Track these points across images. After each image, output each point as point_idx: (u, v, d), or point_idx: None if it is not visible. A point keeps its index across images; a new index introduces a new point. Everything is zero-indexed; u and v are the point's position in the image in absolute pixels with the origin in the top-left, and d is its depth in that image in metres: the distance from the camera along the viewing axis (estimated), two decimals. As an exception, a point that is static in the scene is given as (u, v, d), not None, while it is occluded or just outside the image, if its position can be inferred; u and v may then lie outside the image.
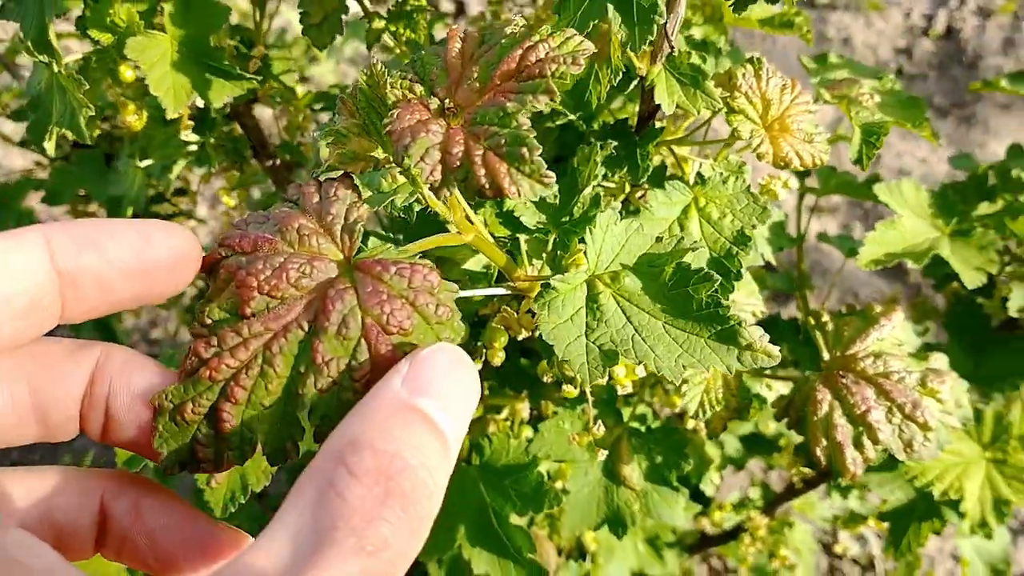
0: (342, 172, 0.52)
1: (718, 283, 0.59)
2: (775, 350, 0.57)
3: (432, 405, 0.38)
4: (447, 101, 0.53)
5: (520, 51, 0.52)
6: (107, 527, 0.46)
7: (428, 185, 0.49)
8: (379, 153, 0.55)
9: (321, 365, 0.42)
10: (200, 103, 0.93)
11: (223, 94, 0.88)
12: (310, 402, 0.42)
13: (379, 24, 0.87)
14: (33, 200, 1.68)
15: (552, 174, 0.48)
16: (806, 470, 1.32)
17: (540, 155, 0.47)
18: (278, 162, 1.18)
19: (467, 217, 0.56)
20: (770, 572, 1.81)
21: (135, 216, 1.17)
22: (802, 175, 1.32)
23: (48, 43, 0.87)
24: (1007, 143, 1.29)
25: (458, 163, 0.48)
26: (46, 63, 0.88)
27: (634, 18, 0.63)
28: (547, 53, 0.52)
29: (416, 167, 0.48)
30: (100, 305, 0.44)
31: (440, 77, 0.54)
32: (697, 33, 1.18)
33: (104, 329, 1.58)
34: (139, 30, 0.87)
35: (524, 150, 0.47)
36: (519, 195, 0.48)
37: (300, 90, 1.10)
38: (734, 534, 1.71)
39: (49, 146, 0.93)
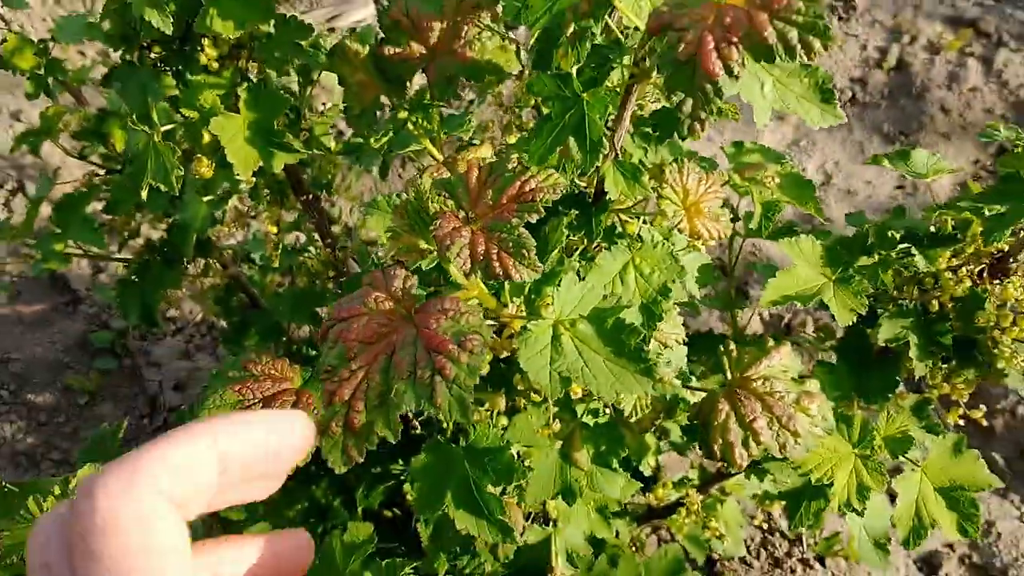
0: (396, 260, 0.81)
1: (643, 335, 0.89)
2: (677, 384, 0.87)
3: None
4: (470, 213, 0.82)
5: (519, 182, 0.81)
6: None
7: (461, 272, 0.78)
8: (423, 244, 0.84)
9: (399, 375, 0.71)
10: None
11: (281, 162, 1.17)
12: (397, 397, 0.71)
13: (403, 114, 1.15)
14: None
15: (540, 265, 0.78)
16: (759, 456, 1.63)
17: (532, 253, 0.77)
18: (310, 196, 1.47)
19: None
20: (703, 540, 2.14)
21: (197, 237, 1.45)
22: (735, 219, 1.61)
23: (149, 118, 1.16)
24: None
25: (481, 258, 0.78)
26: (147, 132, 1.16)
27: (586, 148, 0.92)
28: (537, 184, 0.81)
29: (454, 261, 0.77)
30: (240, 487, 0.48)
31: (464, 196, 0.83)
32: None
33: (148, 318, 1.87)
34: (220, 111, 1.16)
35: (524, 251, 0.77)
36: (520, 279, 0.77)
37: (333, 144, 1.39)
38: (675, 508, 2.03)
39: (143, 194, 1.21)
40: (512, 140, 1.47)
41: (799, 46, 0.65)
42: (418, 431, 1.85)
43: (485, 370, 0.73)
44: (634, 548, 2.29)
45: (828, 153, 3.29)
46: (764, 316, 3.03)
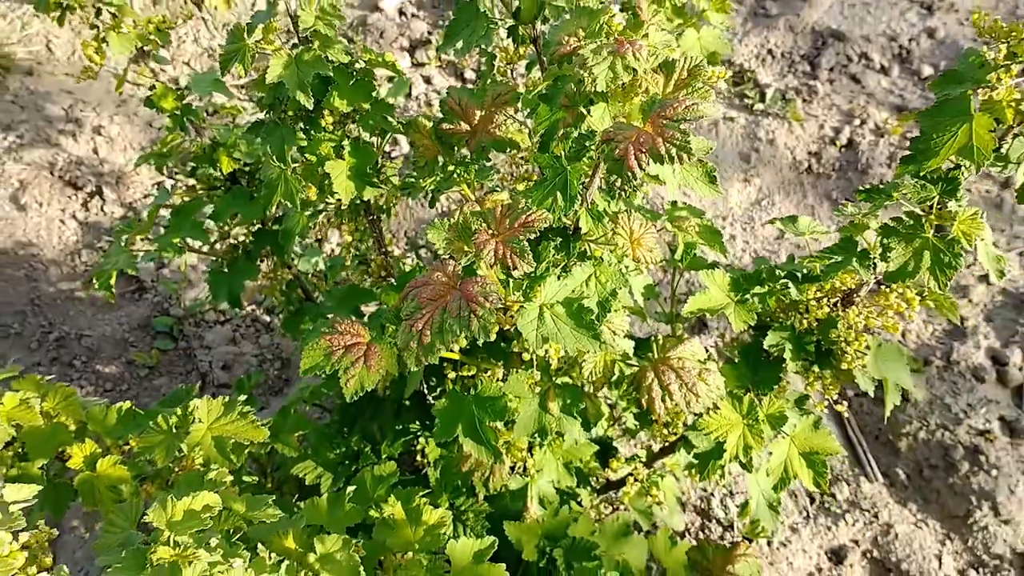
0: (449, 255, 1.40)
1: (595, 315, 1.48)
2: (622, 344, 1.46)
3: None
4: (495, 231, 1.41)
5: (524, 216, 1.41)
6: None
7: (488, 265, 1.37)
8: (466, 248, 1.43)
9: (450, 315, 1.30)
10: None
11: (369, 194, 1.77)
12: (448, 328, 1.30)
13: (451, 167, 1.76)
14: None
15: (534, 263, 1.37)
16: (667, 435, 2.23)
17: (529, 256, 1.36)
18: (375, 217, 2.07)
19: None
20: (647, 510, 2.71)
21: (300, 236, 2.03)
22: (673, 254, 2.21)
23: (285, 157, 1.76)
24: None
25: (500, 257, 1.37)
26: (281, 168, 1.76)
27: (567, 200, 1.51)
28: (534, 217, 1.41)
29: (485, 258, 1.37)
30: None
31: (492, 222, 1.43)
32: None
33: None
34: (331, 158, 1.76)
35: (524, 254, 1.36)
36: (521, 270, 1.36)
37: (395, 180, 1.99)
38: (626, 481, 2.61)
39: (270, 212, 1.81)
40: (520, 187, 2.08)
41: (676, 156, 1.24)
42: (431, 401, 2.44)
43: (495, 321, 1.32)
44: (595, 519, 2.86)
45: (784, 212, 3.91)
46: (702, 330, 3.61)
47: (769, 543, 3.16)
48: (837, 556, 3.17)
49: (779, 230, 3.81)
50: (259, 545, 1.55)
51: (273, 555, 1.54)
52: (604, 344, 1.53)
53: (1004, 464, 3.22)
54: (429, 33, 4.70)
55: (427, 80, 4.51)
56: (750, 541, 3.18)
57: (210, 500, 1.42)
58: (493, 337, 1.66)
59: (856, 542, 3.19)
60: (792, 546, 3.16)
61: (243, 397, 2.05)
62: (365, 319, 2.58)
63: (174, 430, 1.93)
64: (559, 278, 1.61)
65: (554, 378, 1.89)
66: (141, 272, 3.84)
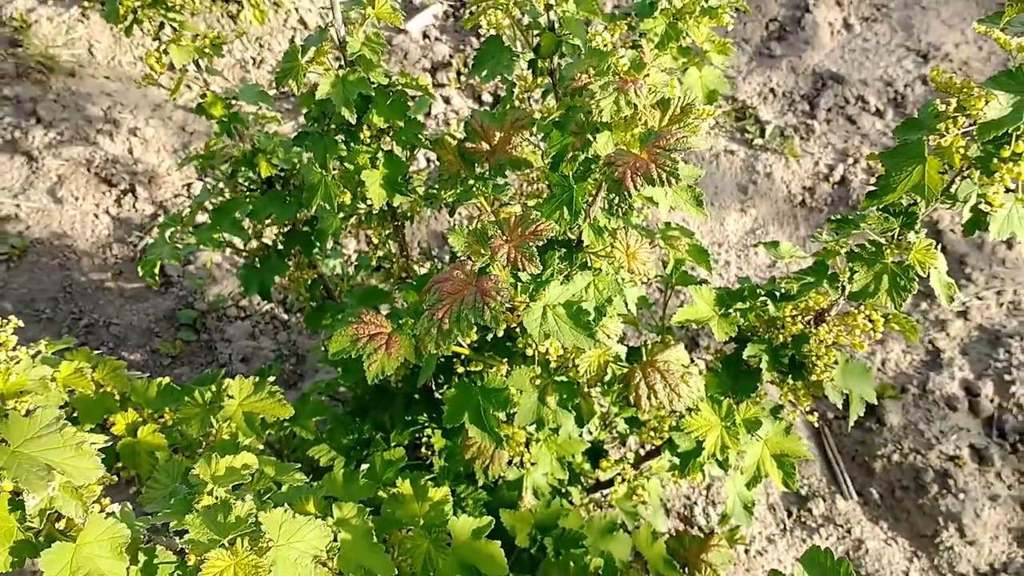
0: (467, 256, 1.63)
1: (592, 317, 1.70)
2: (615, 346, 1.68)
3: None
4: (508, 238, 1.64)
5: (534, 226, 1.63)
6: None
7: (501, 266, 1.60)
8: (482, 251, 1.65)
9: (467, 306, 1.52)
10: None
11: (399, 201, 2.00)
12: (464, 317, 1.52)
13: (471, 182, 1.98)
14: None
15: (541, 266, 1.59)
16: (654, 439, 2.44)
17: (537, 260, 1.59)
18: (399, 223, 2.29)
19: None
20: (632, 510, 2.92)
21: (333, 236, 2.26)
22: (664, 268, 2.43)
23: (326, 164, 1.98)
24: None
25: (512, 259, 1.59)
26: (322, 173, 1.99)
27: (572, 214, 1.73)
28: (542, 227, 1.63)
29: (499, 260, 1.59)
30: None
31: (507, 230, 1.65)
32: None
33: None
34: (367, 167, 1.99)
35: (533, 258, 1.58)
36: (529, 272, 1.58)
37: (420, 190, 2.22)
38: (615, 481, 2.82)
39: (304, 213, 2.03)
40: (531, 202, 2.31)
41: (665, 180, 1.47)
42: (439, 396, 2.66)
43: (505, 314, 1.54)
44: (584, 516, 3.07)
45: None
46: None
47: (747, 551, 3.36)
48: (810, 567, 3.36)
49: (772, 258, 4.04)
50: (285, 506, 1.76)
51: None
52: (598, 343, 1.75)
53: (971, 489, 3.43)
54: (450, 56, 4.95)
55: (446, 100, 4.75)
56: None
57: (248, 459, 1.63)
58: (502, 329, 1.88)
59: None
60: (768, 555, 3.36)
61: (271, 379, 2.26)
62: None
63: (208, 405, 2.15)
64: (562, 283, 1.83)
65: (553, 375, 2.11)
66: (167, 267, 4.06)
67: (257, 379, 2.16)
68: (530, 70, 2.05)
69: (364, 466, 2.29)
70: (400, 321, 2.02)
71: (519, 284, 1.82)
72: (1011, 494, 3.43)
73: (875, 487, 3.53)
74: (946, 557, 3.31)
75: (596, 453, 2.87)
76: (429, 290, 1.61)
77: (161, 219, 4.20)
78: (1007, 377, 3.70)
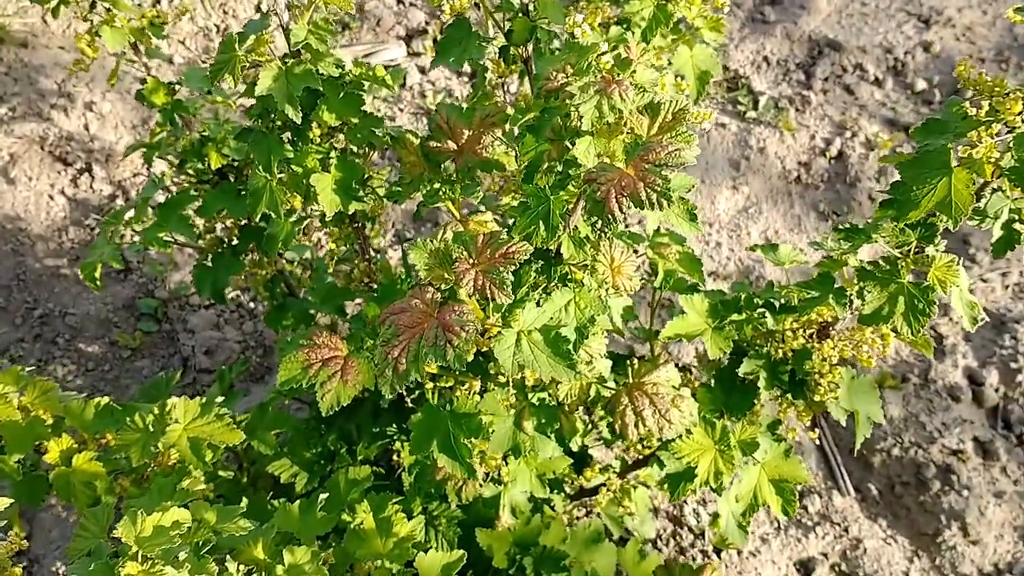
0: (428, 282, 1.41)
1: (571, 343, 1.49)
2: (592, 376, 1.48)
3: None
4: (475, 260, 1.42)
5: (505, 247, 1.42)
6: None
7: (467, 294, 1.38)
8: (446, 275, 1.44)
9: (427, 343, 1.31)
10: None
11: (353, 208, 1.78)
12: (424, 357, 1.31)
13: (436, 185, 1.76)
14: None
15: (512, 295, 1.38)
16: (640, 448, 2.25)
17: (509, 288, 1.37)
18: (360, 224, 2.07)
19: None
20: (619, 517, 2.74)
21: (283, 243, 2.03)
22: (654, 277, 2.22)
23: (271, 167, 1.76)
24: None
25: (479, 287, 1.38)
26: (267, 177, 1.77)
27: (549, 229, 1.52)
28: (515, 249, 1.42)
29: (464, 287, 1.38)
30: None
31: (473, 250, 1.43)
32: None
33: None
34: (317, 170, 1.76)
35: (504, 286, 1.37)
36: (500, 301, 1.37)
37: (382, 191, 2.00)
38: (599, 489, 2.63)
39: (256, 217, 1.81)
40: (506, 198, 2.09)
41: (656, 202, 1.25)
42: (409, 405, 2.46)
43: (472, 348, 1.33)
44: (566, 523, 2.89)
45: (771, 222, 3.93)
46: (680, 348, 3.63)
47: (739, 553, 3.20)
48: (806, 568, 3.21)
49: (766, 238, 3.83)
50: (228, 556, 1.57)
51: (241, 567, 1.55)
52: (579, 374, 1.54)
53: (975, 485, 3.26)
54: (427, 23, 4.69)
55: (422, 70, 4.50)
56: (719, 553, 3.22)
57: (179, 516, 1.43)
58: (471, 354, 1.67)
59: (825, 555, 3.23)
60: (761, 556, 3.20)
61: (220, 399, 2.06)
62: (348, 317, 2.60)
63: (150, 429, 1.95)
64: (539, 303, 1.62)
65: (529, 396, 1.91)
66: (126, 253, 3.83)
67: (204, 400, 1.96)
68: (501, 58, 1.82)
69: (323, 496, 2.08)
70: (358, 342, 1.82)
71: (491, 303, 1.62)
72: (1017, 490, 3.27)
73: (874, 483, 3.36)
74: (948, 557, 3.16)
75: (580, 459, 2.68)
76: (384, 322, 1.40)
77: (119, 201, 3.96)
78: (1013, 365, 3.52)
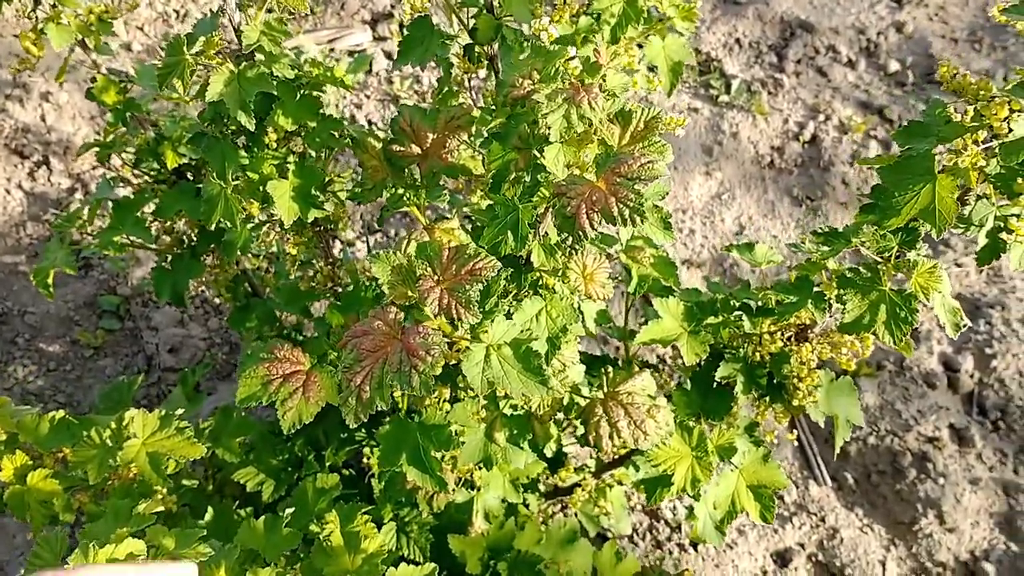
0: (391, 301, 1.34)
1: (543, 358, 1.43)
2: (563, 391, 1.41)
3: None
4: (440, 277, 1.35)
5: (472, 263, 1.35)
6: None
7: (432, 312, 1.32)
8: (410, 293, 1.37)
9: (391, 369, 1.24)
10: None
11: (313, 215, 1.70)
12: (388, 382, 1.24)
13: (400, 191, 1.69)
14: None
15: (480, 314, 1.32)
16: (619, 447, 2.20)
17: (476, 308, 1.31)
18: (322, 228, 2.00)
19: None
20: (594, 515, 2.70)
21: (241, 250, 1.95)
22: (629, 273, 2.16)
23: (224, 175, 1.68)
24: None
25: (444, 307, 1.31)
26: (221, 185, 1.68)
27: (517, 239, 1.46)
28: (481, 265, 1.35)
29: (429, 307, 1.31)
30: None
31: (437, 267, 1.36)
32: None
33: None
34: (274, 177, 1.68)
35: (471, 304, 1.30)
36: (466, 320, 1.31)
37: (343, 194, 1.92)
38: (574, 489, 2.59)
39: (211, 225, 1.73)
40: (475, 198, 2.01)
41: (629, 218, 1.19)
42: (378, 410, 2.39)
43: (439, 370, 1.27)
44: (541, 521, 2.84)
45: (744, 208, 3.87)
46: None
47: (716, 545, 3.17)
48: (782, 559, 3.18)
49: (739, 226, 3.79)
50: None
51: (202, 595, 1.49)
52: (552, 390, 1.48)
53: (951, 472, 3.25)
54: (392, 6, 4.58)
55: (389, 56, 4.39)
56: (695, 546, 3.19)
57: (134, 548, 1.37)
58: (439, 367, 1.60)
59: (802, 545, 3.21)
60: (738, 548, 3.17)
61: (180, 410, 1.98)
62: (315, 318, 2.52)
63: (108, 444, 1.88)
64: (509, 314, 1.56)
65: (501, 406, 1.85)
66: (87, 248, 3.72)
67: (163, 413, 1.89)
68: (465, 56, 1.75)
69: (289, 511, 2.01)
70: (321, 350, 1.75)
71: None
72: (992, 476, 3.26)
73: (850, 471, 3.34)
74: (925, 545, 3.14)
75: (555, 460, 2.63)
76: (346, 346, 1.33)
77: (78, 195, 3.85)
78: (988, 350, 3.50)
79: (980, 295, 3.68)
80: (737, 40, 4.51)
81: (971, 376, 3.48)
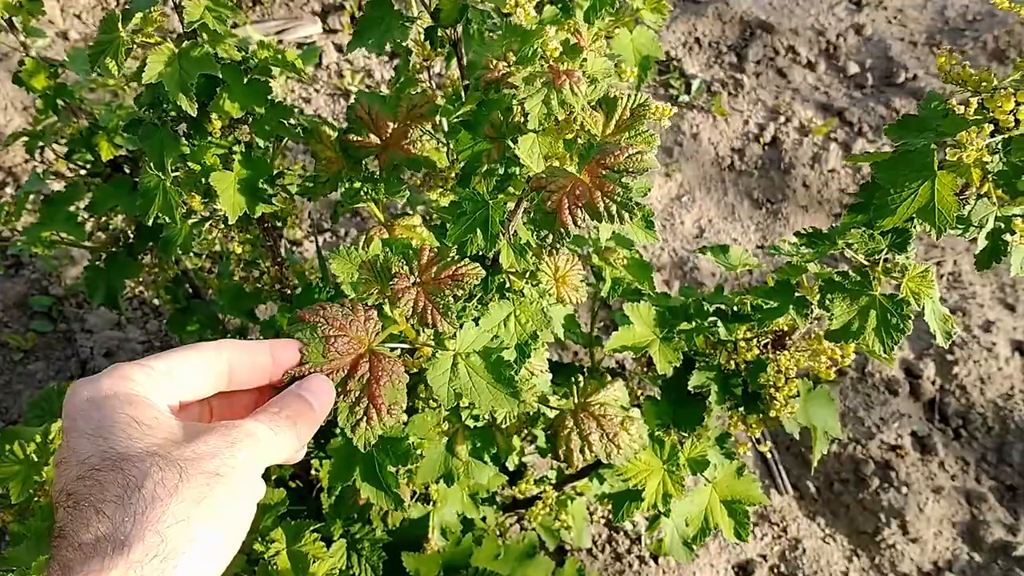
0: (363, 301, 1.21)
1: (515, 369, 1.31)
2: (535, 404, 1.29)
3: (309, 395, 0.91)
4: (418, 278, 1.23)
5: (454, 267, 1.22)
6: None
7: (403, 316, 1.19)
8: (384, 291, 1.24)
9: (356, 384, 1.11)
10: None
11: (260, 211, 1.56)
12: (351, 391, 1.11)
13: (357, 185, 1.56)
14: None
15: (456, 323, 1.19)
16: (589, 461, 2.08)
17: (454, 316, 1.18)
18: (269, 225, 1.86)
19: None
20: (554, 530, 2.59)
21: (181, 249, 1.80)
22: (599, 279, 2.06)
23: (163, 167, 1.53)
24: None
25: (420, 310, 1.18)
26: (160, 177, 1.54)
27: (487, 237, 1.34)
28: (464, 271, 1.22)
29: (401, 308, 1.18)
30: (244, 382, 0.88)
31: (416, 268, 1.24)
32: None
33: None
34: (218, 168, 1.54)
35: (449, 312, 1.18)
36: (442, 329, 1.18)
37: (294, 188, 1.78)
38: (535, 501, 2.47)
39: (148, 221, 1.58)
40: (434, 195, 1.89)
41: (616, 214, 1.08)
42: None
43: (399, 430, 1.13)
44: (499, 534, 2.72)
45: (704, 210, 3.79)
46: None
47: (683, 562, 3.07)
48: (744, 571, 3.10)
49: (699, 228, 3.70)
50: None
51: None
52: (523, 403, 1.36)
53: (914, 481, 3.19)
54: (344, -2, 4.43)
55: (339, 48, 4.24)
56: (656, 559, 3.09)
57: None
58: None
59: (764, 557, 3.13)
60: (700, 560, 3.08)
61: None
62: (260, 322, 2.37)
63: (33, 459, 1.72)
64: (477, 320, 1.43)
65: (463, 417, 1.73)
66: (12, 250, 3.52)
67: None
68: (427, 40, 1.62)
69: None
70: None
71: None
72: (955, 485, 3.21)
73: (812, 480, 3.27)
74: (888, 556, 3.08)
75: (516, 472, 2.51)
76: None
77: (9, 190, 3.64)
78: (949, 357, 3.46)
79: (940, 300, 3.63)
80: (697, 39, 4.43)
81: (932, 383, 3.44)
